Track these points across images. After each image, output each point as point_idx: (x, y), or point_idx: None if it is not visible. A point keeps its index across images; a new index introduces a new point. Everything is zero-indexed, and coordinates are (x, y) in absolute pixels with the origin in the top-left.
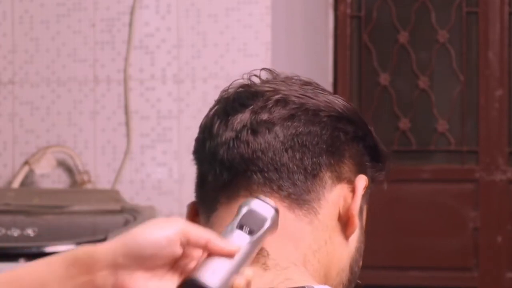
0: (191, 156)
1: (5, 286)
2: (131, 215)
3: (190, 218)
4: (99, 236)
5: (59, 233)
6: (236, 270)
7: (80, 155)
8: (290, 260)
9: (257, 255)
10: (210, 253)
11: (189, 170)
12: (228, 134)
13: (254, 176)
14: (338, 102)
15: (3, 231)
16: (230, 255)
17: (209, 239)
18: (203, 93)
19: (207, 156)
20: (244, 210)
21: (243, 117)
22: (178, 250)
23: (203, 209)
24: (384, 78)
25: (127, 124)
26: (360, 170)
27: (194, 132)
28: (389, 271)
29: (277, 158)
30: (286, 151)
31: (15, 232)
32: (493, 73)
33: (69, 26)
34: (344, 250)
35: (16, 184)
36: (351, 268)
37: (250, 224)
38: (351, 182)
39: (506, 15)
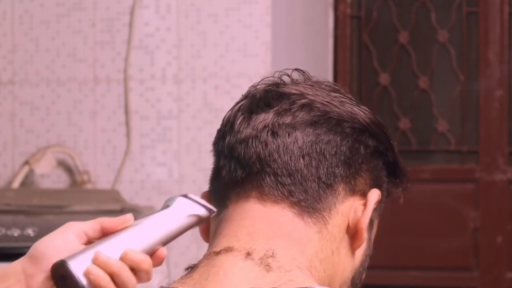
0: (191, 156)
1: None
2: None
3: None
4: None
5: None
6: (108, 248)
7: (80, 155)
8: (295, 264)
9: (262, 256)
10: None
11: (189, 170)
12: (248, 132)
13: (267, 178)
14: (364, 114)
15: (3, 231)
16: (118, 227)
17: (102, 220)
18: (203, 93)
19: (225, 150)
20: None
21: (266, 117)
22: (79, 248)
23: (215, 202)
24: (384, 78)
25: (127, 124)
26: (376, 184)
27: (194, 132)
28: (389, 271)
29: (292, 163)
30: (303, 157)
31: (15, 232)
32: (493, 73)
33: (69, 26)
34: (349, 263)
35: (16, 184)
36: (353, 280)
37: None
38: (364, 195)
39: (506, 15)
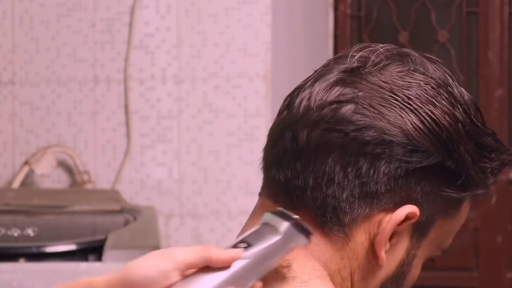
0: (191, 156)
1: None
2: (131, 215)
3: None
4: (99, 236)
5: (59, 233)
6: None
7: (80, 155)
8: (314, 275)
9: (278, 266)
10: (205, 269)
11: (189, 170)
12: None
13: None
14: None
15: (3, 231)
16: (226, 264)
17: (207, 257)
18: (203, 93)
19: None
20: (257, 226)
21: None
22: (175, 279)
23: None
24: None
25: (127, 124)
26: (413, 200)
27: (194, 132)
28: None
29: (340, 181)
30: (348, 174)
31: (15, 232)
32: (493, 73)
33: (69, 26)
34: (369, 284)
35: (16, 184)
36: None
37: (252, 240)
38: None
39: (506, 15)
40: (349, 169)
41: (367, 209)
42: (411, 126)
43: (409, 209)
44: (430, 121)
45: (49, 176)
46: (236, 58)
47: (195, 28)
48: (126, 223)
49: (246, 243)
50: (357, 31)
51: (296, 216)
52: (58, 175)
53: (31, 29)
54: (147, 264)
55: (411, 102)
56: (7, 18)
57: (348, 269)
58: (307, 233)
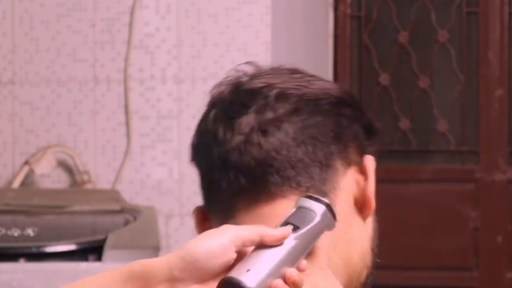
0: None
1: None
2: (131, 215)
3: (199, 224)
4: (99, 236)
5: (59, 233)
6: (277, 268)
7: (80, 155)
8: (315, 264)
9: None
10: (259, 247)
11: (189, 170)
12: (238, 138)
13: (271, 177)
14: (333, 86)
15: (3, 231)
16: (278, 242)
17: (262, 233)
18: (203, 93)
19: (217, 162)
20: (293, 209)
21: (248, 119)
22: (232, 256)
23: (216, 215)
24: (384, 78)
25: (127, 124)
26: (361, 150)
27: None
28: (389, 271)
29: (292, 155)
30: (299, 146)
31: (15, 232)
32: (493, 73)
33: (69, 26)
34: (365, 234)
35: (16, 184)
36: (373, 250)
37: (296, 222)
38: (358, 164)
39: (506, 15)
40: None
41: (341, 168)
42: (333, 86)
43: (371, 156)
44: (340, 85)
45: (49, 176)
46: (236, 58)
47: (195, 28)
48: (126, 223)
49: (291, 224)
50: (357, 31)
51: (327, 200)
52: (58, 175)
53: (31, 29)
54: (206, 241)
55: (318, 79)
56: (7, 18)
57: (337, 233)
58: (335, 217)
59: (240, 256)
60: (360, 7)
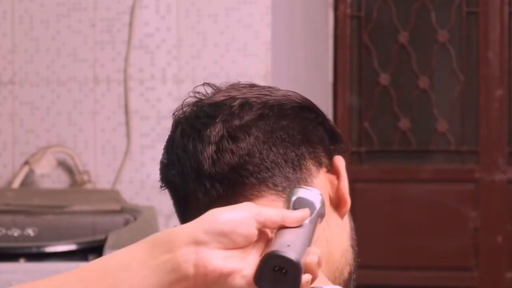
0: None
1: (92, 273)
2: (131, 215)
3: None
4: (99, 236)
5: (59, 233)
6: (306, 246)
7: (80, 155)
8: None
9: None
10: (281, 228)
11: None
12: (209, 148)
13: (247, 180)
14: (293, 94)
15: (3, 231)
16: (298, 224)
17: (283, 214)
18: None
19: (191, 174)
20: (293, 198)
21: (217, 129)
22: (254, 231)
23: None
24: (384, 78)
25: (127, 124)
26: (329, 153)
27: None
28: (389, 271)
29: (265, 157)
30: (271, 148)
31: (15, 232)
32: (493, 73)
33: (69, 26)
34: (343, 231)
35: (16, 184)
36: (352, 247)
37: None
38: (328, 166)
39: (506, 15)
40: None
41: (314, 168)
42: (293, 94)
43: (341, 157)
44: (301, 95)
45: (49, 176)
46: (236, 58)
47: (195, 28)
48: (126, 223)
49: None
50: (357, 31)
51: (318, 190)
52: (58, 175)
53: (31, 29)
54: (229, 210)
55: (277, 89)
56: (7, 18)
57: (317, 230)
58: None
59: (263, 236)
60: (360, 7)
